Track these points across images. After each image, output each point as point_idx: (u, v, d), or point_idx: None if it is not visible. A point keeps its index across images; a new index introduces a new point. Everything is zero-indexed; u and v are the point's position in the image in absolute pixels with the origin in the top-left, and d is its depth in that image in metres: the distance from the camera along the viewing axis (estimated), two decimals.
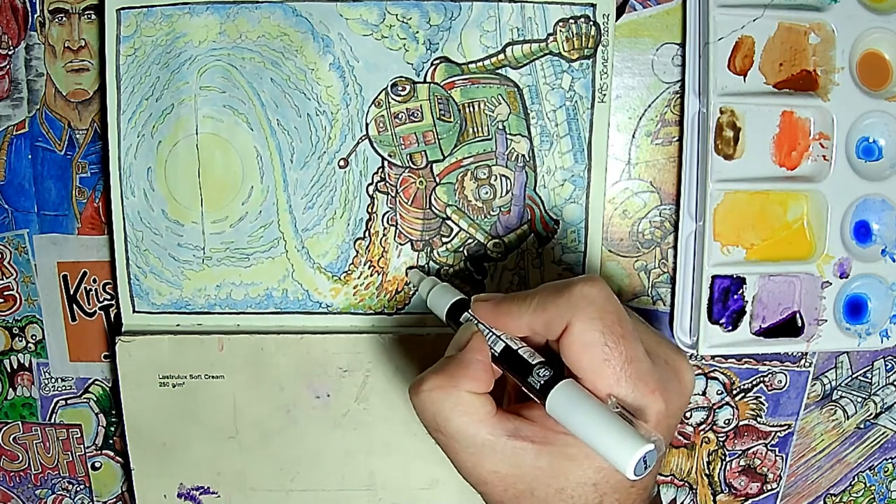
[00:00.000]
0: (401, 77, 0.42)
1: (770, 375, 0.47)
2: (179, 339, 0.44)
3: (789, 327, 0.45)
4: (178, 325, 0.45)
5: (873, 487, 0.51)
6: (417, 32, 0.42)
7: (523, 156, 0.43)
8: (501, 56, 0.42)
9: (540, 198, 0.43)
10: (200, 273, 0.44)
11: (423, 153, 0.43)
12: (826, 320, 0.44)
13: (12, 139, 0.44)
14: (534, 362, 0.32)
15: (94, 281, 0.46)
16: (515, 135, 0.43)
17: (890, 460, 0.50)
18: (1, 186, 0.45)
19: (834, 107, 0.42)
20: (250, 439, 0.45)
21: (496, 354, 0.34)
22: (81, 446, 0.48)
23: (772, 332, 0.45)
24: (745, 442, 0.49)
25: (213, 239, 0.44)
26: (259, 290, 0.44)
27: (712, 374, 0.47)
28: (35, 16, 0.43)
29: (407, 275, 0.44)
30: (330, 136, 0.43)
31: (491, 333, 0.34)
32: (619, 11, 0.42)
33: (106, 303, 0.46)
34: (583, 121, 0.43)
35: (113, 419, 0.48)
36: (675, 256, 0.45)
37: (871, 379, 0.49)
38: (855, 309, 0.45)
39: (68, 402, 0.48)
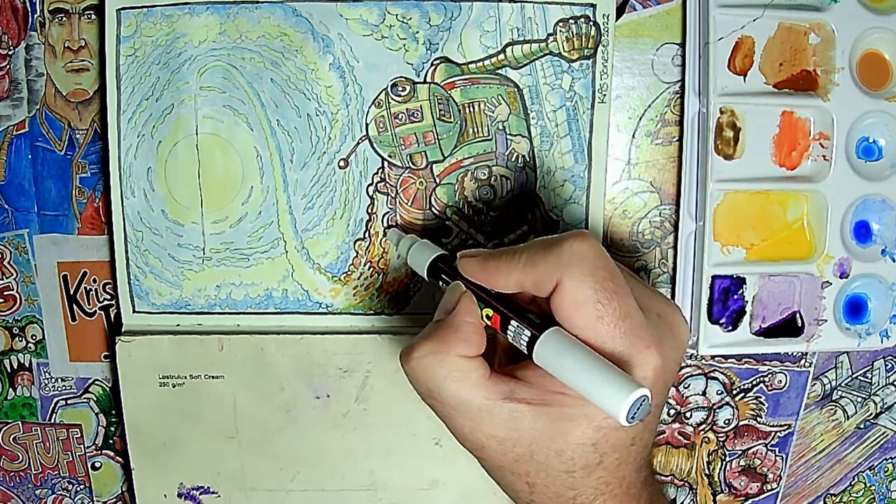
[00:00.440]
0: (401, 77, 0.42)
1: (770, 375, 0.47)
2: (179, 340, 0.44)
3: (789, 327, 0.45)
4: (178, 325, 0.45)
5: (873, 487, 0.51)
6: (417, 32, 0.42)
7: (523, 156, 0.43)
8: (501, 56, 0.42)
9: (540, 198, 0.43)
10: (200, 273, 0.44)
11: (423, 153, 0.43)
12: (826, 320, 0.44)
13: (12, 139, 0.44)
14: (520, 314, 0.31)
15: (94, 281, 0.46)
16: (515, 135, 0.43)
17: (890, 460, 0.50)
18: (1, 186, 0.45)
19: (834, 107, 0.42)
20: (250, 439, 0.45)
21: (483, 311, 0.33)
22: (81, 446, 0.48)
23: (772, 332, 0.45)
24: (745, 442, 0.49)
25: (213, 239, 0.44)
26: (259, 291, 0.44)
27: (712, 374, 0.47)
28: (35, 16, 0.43)
29: (386, 235, 0.43)
30: (330, 136, 0.43)
31: (475, 290, 0.34)
32: (619, 11, 0.42)
33: (106, 303, 0.46)
34: (583, 121, 0.43)
35: (113, 419, 0.48)
36: (675, 256, 0.45)
37: (871, 379, 0.49)
38: (855, 309, 0.45)
39: (68, 402, 0.48)
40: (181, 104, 0.42)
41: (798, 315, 0.45)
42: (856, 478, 0.50)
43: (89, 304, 0.46)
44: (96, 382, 0.47)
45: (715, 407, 0.48)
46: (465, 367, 0.31)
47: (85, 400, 0.48)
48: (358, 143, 0.43)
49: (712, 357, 0.47)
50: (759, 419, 0.48)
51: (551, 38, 0.42)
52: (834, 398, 0.49)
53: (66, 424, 0.48)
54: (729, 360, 0.47)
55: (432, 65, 0.42)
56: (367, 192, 0.43)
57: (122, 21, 0.42)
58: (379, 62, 0.42)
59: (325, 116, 0.43)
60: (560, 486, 0.32)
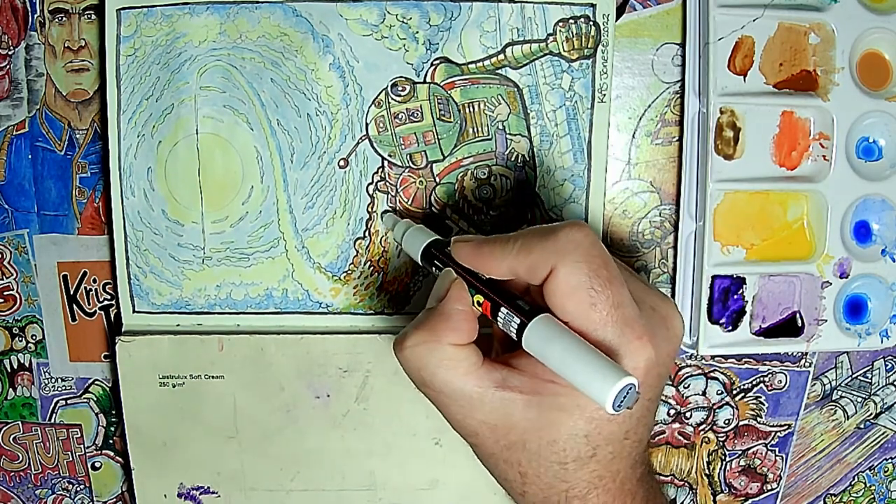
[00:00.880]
0: (401, 77, 0.42)
1: (770, 375, 0.47)
2: (179, 339, 0.44)
3: (789, 327, 0.45)
4: (178, 325, 0.45)
5: (873, 487, 0.51)
6: (417, 32, 0.42)
7: (523, 156, 0.43)
8: (501, 56, 0.42)
9: (540, 198, 0.43)
10: (200, 273, 0.44)
11: (423, 153, 0.43)
12: (826, 320, 0.44)
13: (12, 139, 0.44)
14: (510, 301, 0.31)
15: (94, 281, 0.46)
16: (515, 135, 0.43)
17: (890, 460, 0.50)
18: (1, 186, 0.45)
19: (834, 107, 0.42)
20: (250, 439, 0.45)
21: (473, 297, 0.33)
22: (81, 446, 0.48)
23: (772, 332, 0.45)
24: (745, 442, 0.49)
25: (213, 239, 0.44)
26: (259, 290, 0.44)
27: (712, 374, 0.47)
28: (35, 16, 0.43)
29: (381, 220, 0.43)
30: (330, 136, 0.43)
31: (466, 276, 0.33)
32: (619, 11, 0.42)
33: (106, 303, 0.46)
34: (583, 121, 0.43)
35: (113, 419, 0.48)
36: (675, 256, 0.45)
37: (871, 379, 0.49)
38: (855, 309, 0.45)
39: (68, 402, 0.48)
40: (181, 104, 0.42)
41: (798, 315, 0.45)
42: (856, 478, 0.50)
43: (89, 304, 0.46)
44: (96, 382, 0.47)
45: (715, 407, 0.48)
46: (457, 355, 0.31)
47: (85, 400, 0.48)
48: (358, 143, 0.43)
49: (712, 357, 0.47)
50: (759, 419, 0.48)
51: (551, 38, 0.42)
52: (834, 398, 0.49)
53: (66, 424, 0.48)
54: (729, 360, 0.47)
55: (432, 65, 0.42)
56: (368, 192, 0.43)
57: (122, 21, 0.42)
58: (379, 62, 0.42)
59: (325, 116, 0.43)
60: (552, 478, 0.32)
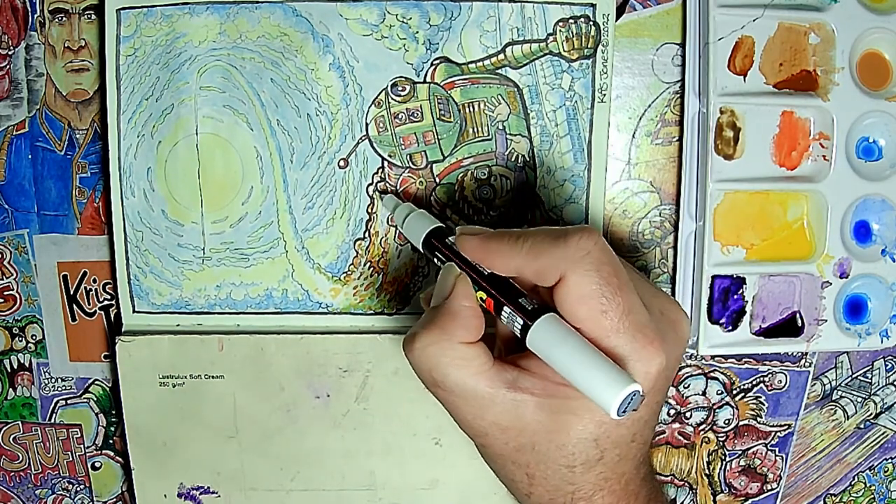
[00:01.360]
0: (401, 77, 0.42)
1: (770, 375, 0.47)
2: (179, 339, 0.44)
3: (789, 327, 0.45)
4: (178, 325, 0.45)
5: (873, 487, 0.51)
6: (417, 32, 0.42)
7: (523, 156, 0.43)
8: (501, 56, 0.42)
9: (540, 198, 0.43)
10: (200, 273, 0.44)
11: (423, 153, 0.43)
12: (826, 320, 0.44)
13: (12, 139, 0.44)
14: (513, 300, 0.31)
15: (94, 281, 0.46)
16: (515, 135, 0.43)
17: (890, 460, 0.50)
18: (1, 186, 0.45)
19: (834, 107, 0.42)
20: (250, 439, 0.45)
21: (476, 293, 0.33)
22: (81, 446, 0.48)
23: (772, 332, 0.45)
24: (745, 442, 0.49)
25: (213, 239, 0.44)
26: (259, 291, 0.44)
27: (712, 374, 0.47)
28: (35, 16, 0.43)
29: (382, 200, 0.43)
30: (330, 136, 0.43)
31: (469, 271, 0.33)
32: (619, 11, 0.42)
33: (106, 303, 0.46)
34: (583, 121, 0.43)
35: (113, 419, 0.48)
36: (675, 256, 0.45)
37: (871, 379, 0.49)
38: (855, 309, 0.45)
39: (68, 402, 0.48)
40: (181, 104, 0.42)
41: (798, 315, 0.45)
42: (856, 478, 0.50)
43: (89, 304, 0.46)
44: (96, 382, 0.47)
45: (715, 407, 0.48)
46: (468, 353, 0.31)
47: (85, 400, 0.48)
48: (358, 143, 0.43)
49: (712, 357, 0.47)
50: (759, 419, 0.48)
51: (551, 38, 0.42)
52: (834, 398, 0.49)
53: (66, 424, 0.48)
54: (729, 360, 0.47)
55: (432, 65, 0.42)
56: (367, 192, 0.43)
57: (122, 21, 0.42)
58: (379, 62, 0.42)
59: (325, 116, 0.43)
60: (559, 480, 0.32)
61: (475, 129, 0.43)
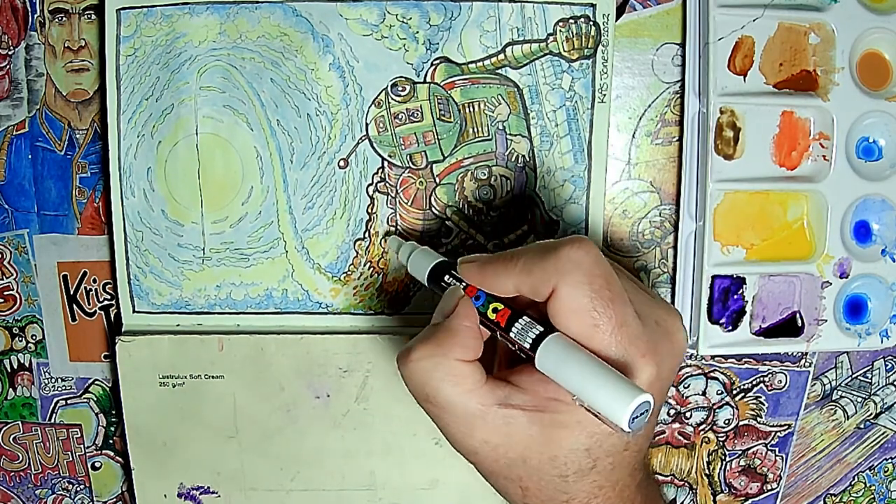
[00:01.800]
0: (401, 77, 0.42)
1: (770, 375, 0.47)
2: (179, 339, 0.44)
3: (789, 327, 0.45)
4: (178, 325, 0.45)
5: (873, 487, 0.51)
6: (417, 32, 0.42)
7: (523, 156, 0.43)
8: (501, 56, 0.42)
9: (540, 198, 0.43)
10: (200, 273, 0.44)
11: (423, 153, 0.43)
12: (826, 320, 0.44)
13: (12, 139, 0.44)
14: (522, 321, 0.31)
15: (94, 281, 0.46)
16: (515, 135, 0.43)
17: (890, 460, 0.50)
18: (1, 186, 0.45)
19: (834, 107, 0.42)
20: (250, 439, 0.45)
21: (485, 316, 0.33)
22: (81, 446, 0.48)
23: (772, 332, 0.45)
24: (745, 442, 0.49)
25: (213, 239, 0.44)
26: (259, 291, 0.44)
27: (712, 374, 0.47)
28: (35, 16, 0.43)
29: (386, 241, 0.43)
30: (330, 136, 0.43)
31: (480, 294, 0.34)
32: (619, 11, 0.42)
33: (106, 303, 0.46)
34: (583, 121, 0.43)
35: (113, 419, 0.48)
36: (675, 256, 0.45)
37: (871, 379, 0.49)
38: (855, 309, 0.45)
39: (68, 402, 0.48)
40: (181, 104, 0.42)
41: (798, 315, 0.45)
42: (856, 478, 0.50)
43: (89, 304, 0.46)
44: (96, 382, 0.47)
45: (715, 407, 0.48)
46: (462, 371, 0.31)
47: (85, 400, 0.48)
48: (358, 143, 0.43)
49: (712, 357, 0.47)
50: (759, 419, 0.48)
51: (551, 38, 0.42)
52: (834, 398, 0.49)
53: (66, 424, 0.48)
54: (729, 360, 0.47)
55: (432, 65, 0.42)
56: (367, 192, 0.43)
57: (122, 21, 0.42)
58: (379, 62, 0.42)
59: (325, 116, 0.43)
60: (553, 490, 0.32)
61: (475, 130, 0.43)
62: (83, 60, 0.43)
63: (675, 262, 0.45)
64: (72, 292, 0.46)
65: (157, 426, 0.45)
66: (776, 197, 0.44)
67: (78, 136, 0.44)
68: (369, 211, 0.43)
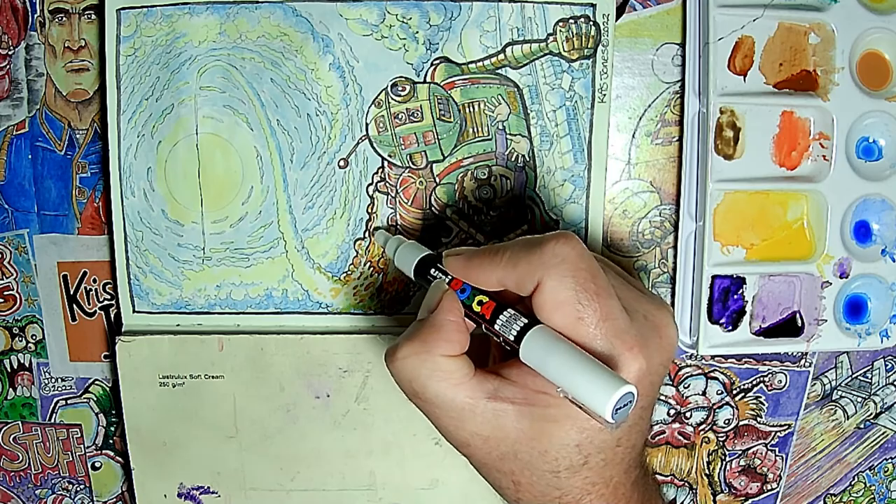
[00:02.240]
0: (401, 77, 0.42)
1: (770, 375, 0.47)
2: (179, 339, 0.44)
3: (789, 327, 0.45)
4: (178, 325, 0.45)
5: (873, 487, 0.51)
6: (417, 32, 0.42)
7: (523, 156, 0.43)
8: (501, 56, 0.42)
9: (540, 198, 0.43)
10: (200, 273, 0.44)
11: (423, 153, 0.43)
12: (826, 320, 0.44)
13: (12, 139, 0.44)
14: (506, 313, 0.31)
15: (94, 281, 0.46)
16: (515, 135, 0.43)
17: (890, 460, 0.50)
18: (1, 186, 0.45)
19: (834, 107, 0.42)
20: (250, 439, 0.45)
21: (470, 309, 0.33)
22: (81, 446, 0.48)
23: (772, 332, 0.45)
24: (745, 442, 0.49)
25: (213, 239, 0.44)
26: (259, 291, 0.44)
27: (712, 374, 0.47)
28: (35, 16, 0.43)
29: (373, 235, 0.43)
30: (330, 136, 0.43)
31: (465, 287, 0.34)
32: (619, 11, 0.42)
33: (106, 303, 0.46)
34: (583, 121, 0.43)
35: (113, 419, 0.48)
36: (675, 256, 0.45)
37: (871, 379, 0.49)
38: (855, 309, 0.45)
39: (68, 401, 0.48)
40: (181, 104, 0.42)
41: (798, 315, 0.45)
42: (856, 478, 0.50)
43: (89, 303, 0.46)
44: (96, 382, 0.47)
45: (715, 407, 0.48)
46: (449, 366, 0.31)
47: (85, 400, 0.48)
48: (358, 143, 0.43)
49: (712, 357, 0.47)
50: (759, 419, 0.48)
51: (551, 38, 0.42)
52: (834, 398, 0.49)
53: (66, 424, 0.48)
54: (729, 360, 0.47)
55: (432, 65, 0.42)
56: (368, 192, 0.43)
57: (122, 21, 0.42)
58: (379, 62, 0.42)
59: (325, 116, 0.43)
60: (545, 486, 0.32)
61: (475, 129, 0.43)
62: (83, 60, 0.43)
63: (675, 262, 0.45)
64: (72, 292, 0.46)
65: (158, 426, 0.45)
66: (776, 197, 0.44)
67: (78, 136, 0.44)
68: (369, 211, 0.43)
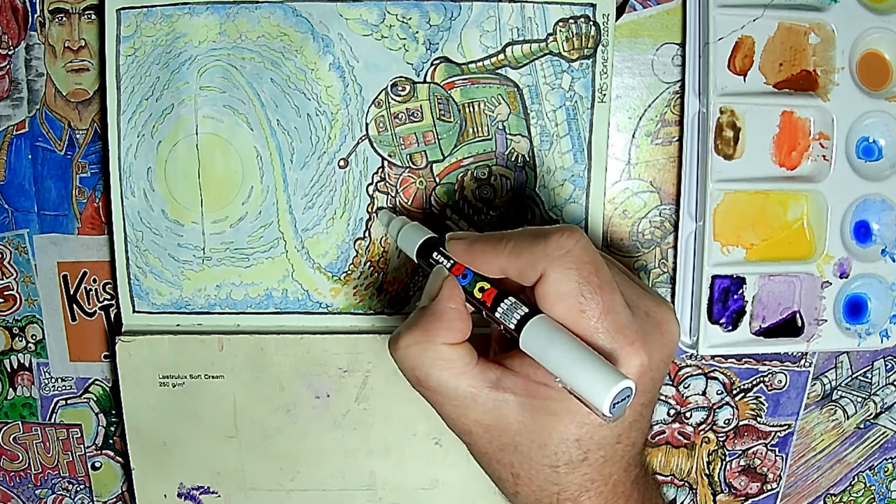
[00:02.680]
0: (401, 77, 0.42)
1: (770, 375, 0.47)
2: (179, 339, 0.44)
3: (789, 327, 0.45)
4: (178, 325, 0.45)
5: (873, 487, 0.51)
6: (417, 32, 0.42)
7: (523, 156, 0.43)
8: (501, 56, 0.42)
9: (540, 198, 0.43)
10: (200, 273, 0.44)
11: (423, 153, 0.43)
12: (826, 320, 0.44)
13: (12, 139, 0.44)
14: (507, 301, 0.31)
15: (95, 281, 0.46)
16: (515, 135, 0.43)
17: (890, 460, 0.50)
18: (1, 186, 0.45)
19: (834, 107, 0.42)
20: (250, 439, 0.45)
21: (471, 295, 0.33)
22: (81, 446, 0.48)
23: (772, 332, 0.45)
24: (745, 442, 0.49)
25: (213, 239, 0.44)
26: (259, 290, 0.44)
27: (712, 374, 0.47)
28: (35, 16, 0.43)
29: (377, 215, 0.43)
30: (330, 136, 0.43)
31: (467, 272, 0.34)
32: (619, 11, 0.42)
33: (106, 303, 0.46)
34: (582, 121, 0.43)
35: (113, 419, 0.48)
36: (675, 256, 0.45)
37: (871, 379, 0.49)
38: (855, 309, 0.45)
39: (68, 401, 0.48)
40: (181, 104, 0.42)
41: (798, 315, 0.45)
42: (856, 478, 0.50)
43: (89, 303, 0.46)
44: (96, 382, 0.47)
45: (715, 407, 0.48)
46: (450, 355, 0.31)
47: (85, 400, 0.48)
48: (358, 143, 0.43)
49: (712, 357, 0.47)
50: (759, 419, 0.48)
51: (551, 38, 0.42)
52: (834, 398, 0.49)
53: (66, 424, 0.48)
54: (729, 360, 0.47)
55: (432, 64, 0.42)
56: (368, 192, 0.43)
57: (122, 21, 0.42)
58: (379, 62, 0.42)
59: (325, 116, 0.43)
60: (543, 480, 0.32)
61: (475, 129, 0.43)
62: (83, 60, 0.43)
63: (675, 262, 0.45)
64: (72, 292, 0.46)
65: (157, 426, 0.45)
66: (776, 197, 0.44)
67: (78, 136, 0.44)
68: (369, 210, 0.43)
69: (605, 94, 0.42)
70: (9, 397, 0.48)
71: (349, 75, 0.42)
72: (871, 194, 0.44)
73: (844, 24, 0.42)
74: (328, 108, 0.42)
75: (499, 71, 0.42)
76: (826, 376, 0.48)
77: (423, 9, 0.41)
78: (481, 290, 0.33)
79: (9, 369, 0.47)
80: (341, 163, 0.43)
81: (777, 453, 0.49)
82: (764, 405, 0.48)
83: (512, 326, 0.31)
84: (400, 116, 0.42)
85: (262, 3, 0.41)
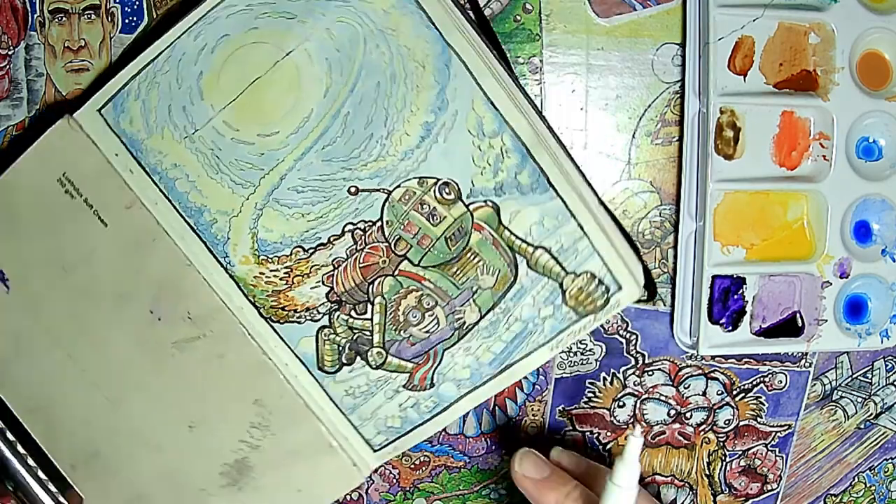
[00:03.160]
0: (455, 184, 0.41)
1: (770, 375, 0.47)
2: (106, 164, 0.41)
3: (789, 327, 0.45)
4: (116, 154, 0.42)
5: (873, 487, 0.51)
6: (501, 172, 0.41)
7: (464, 322, 0.42)
8: (530, 249, 0.41)
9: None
10: (173, 142, 0.42)
11: (409, 246, 0.42)
12: (826, 320, 0.44)
13: (12, 139, 0.44)
14: None
15: None
16: (477, 304, 0.42)
17: (890, 460, 0.50)
18: None
19: (834, 107, 0.42)
20: (77, 280, 0.42)
21: None
22: None
23: (772, 332, 0.45)
24: (746, 442, 0.49)
25: (210, 132, 0.42)
26: (197, 199, 0.42)
27: (712, 375, 0.47)
28: (35, 16, 0.43)
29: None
30: (367, 165, 0.42)
31: None
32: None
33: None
34: (525, 346, 0.42)
35: None
36: (675, 256, 0.45)
37: (871, 379, 0.49)
38: (855, 309, 0.45)
39: None
40: (303, 24, 0.40)
41: (798, 315, 0.45)
42: (856, 478, 0.50)
43: None
44: None
45: (715, 407, 0.48)
46: None
47: None
48: (379, 191, 0.42)
49: (712, 357, 0.47)
50: (759, 419, 0.48)
51: (571, 276, 0.41)
52: (834, 398, 0.49)
53: None
54: (729, 361, 0.47)
55: (485, 201, 0.41)
56: (343, 227, 0.43)
57: None
58: (456, 159, 0.41)
59: (379, 149, 0.41)
60: None
61: (456, 271, 0.42)
62: (83, 60, 0.43)
63: (675, 262, 0.45)
64: None
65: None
66: (776, 197, 0.44)
67: None
68: (331, 240, 0.43)
69: (560, 345, 0.42)
70: None
71: (427, 143, 0.41)
72: (872, 194, 0.44)
73: (844, 24, 0.42)
74: (389, 147, 0.41)
75: (517, 255, 0.42)
76: (826, 376, 0.48)
77: (527, 165, 0.40)
78: None
79: None
80: (353, 189, 0.42)
81: (777, 453, 0.49)
82: (764, 405, 0.48)
83: None
84: (425, 207, 0.42)
85: (436, 27, 0.40)
